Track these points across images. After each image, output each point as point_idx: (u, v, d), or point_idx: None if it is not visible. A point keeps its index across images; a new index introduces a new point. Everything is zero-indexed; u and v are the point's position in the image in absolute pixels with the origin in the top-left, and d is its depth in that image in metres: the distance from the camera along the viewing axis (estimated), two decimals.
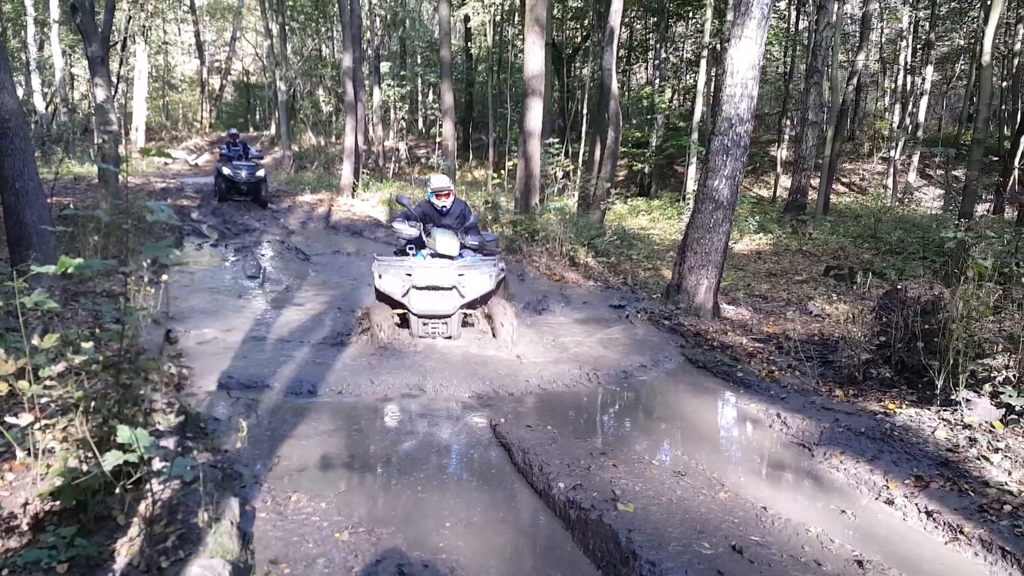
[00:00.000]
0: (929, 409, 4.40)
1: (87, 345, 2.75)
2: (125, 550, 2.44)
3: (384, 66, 26.24)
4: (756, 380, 5.27)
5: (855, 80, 19.18)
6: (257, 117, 37.88)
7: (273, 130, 30.49)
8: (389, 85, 25.31)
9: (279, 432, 4.01)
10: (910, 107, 23.23)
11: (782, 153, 22.22)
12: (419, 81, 28.06)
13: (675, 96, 27.18)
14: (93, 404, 2.64)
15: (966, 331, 4.48)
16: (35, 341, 2.68)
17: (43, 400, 2.67)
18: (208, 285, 8.04)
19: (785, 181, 21.17)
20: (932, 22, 22.25)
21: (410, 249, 6.35)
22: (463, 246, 6.31)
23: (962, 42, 24.78)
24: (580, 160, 19.50)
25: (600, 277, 9.46)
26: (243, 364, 5.13)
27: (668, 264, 10.46)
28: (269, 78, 31.89)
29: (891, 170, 20.77)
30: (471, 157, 27.61)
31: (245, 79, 40.90)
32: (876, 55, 27.87)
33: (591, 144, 20.01)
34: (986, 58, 13.85)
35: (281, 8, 24.67)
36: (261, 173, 14.33)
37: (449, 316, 5.83)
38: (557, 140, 15.93)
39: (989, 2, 14.49)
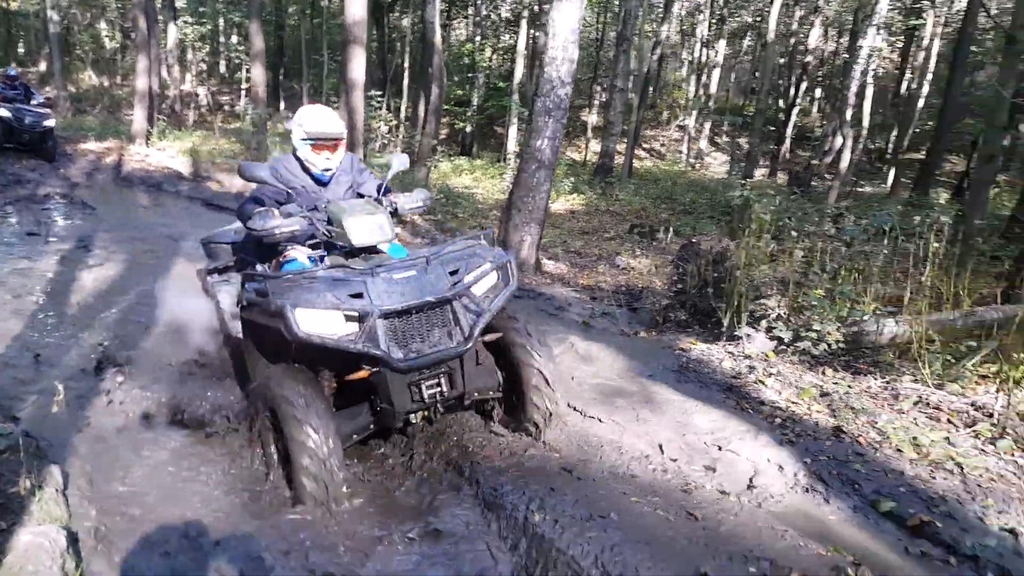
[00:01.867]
0: (718, 344, 5.11)
1: None
2: None
3: (180, 0, 23.71)
4: (576, 325, 5.74)
5: (658, 50, 20.75)
6: (21, 51, 32.48)
7: (43, 67, 26.41)
8: (186, 22, 22.97)
9: (94, 395, 3.72)
10: (704, 78, 25.59)
11: (592, 118, 23.54)
12: (221, 20, 25.75)
13: (494, 55, 27.55)
14: None
15: (747, 277, 5.23)
16: None
17: None
18: None
19: (595, 145, 22.52)
20: None
21: (288, 248, 3.50)
22: (397, 218, 3.67)
23: (749, 19, 27.63)
24: (402, 115, 19.25)
25: (427, 235, 9.57)
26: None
27: (492, 221, 10.82)
28: (35, 5, 27.38)
29: (686, 137, 22.89)
30: (283, 106, 26.04)
31: (4, 4, 34.71)
32: (677, 27, 30.24)
33: (414, 100, 19.83)
34: (771, 36, 15.67)
35: None
36: (50, 123, 12.34)
37: (462, 355, 3.05)
38: (379, 93, 15.56)
39: None
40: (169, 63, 22.09)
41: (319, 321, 2.78)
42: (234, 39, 28.45)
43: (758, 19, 26.43)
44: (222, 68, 29.80)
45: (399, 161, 3.79)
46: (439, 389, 3.05)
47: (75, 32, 27.64)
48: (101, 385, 3.83)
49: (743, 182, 12.35)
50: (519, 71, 18.80)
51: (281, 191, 3.48)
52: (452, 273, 3.12)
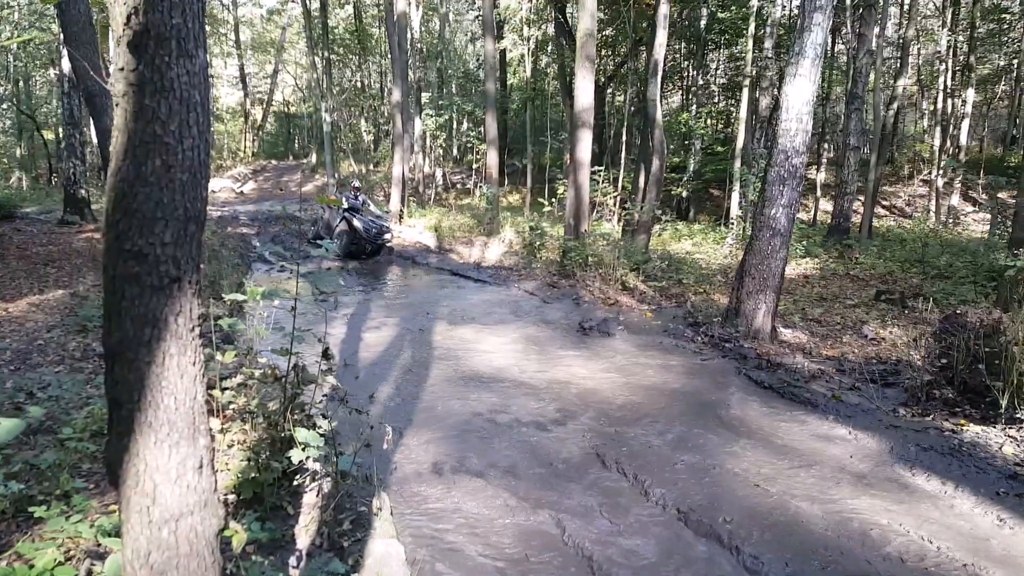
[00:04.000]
0: (995, 427, 4.64)
1: (262, 360, 3.18)
2: (304, 533, 2.83)
3: (424, 96, 27.14)
4: (823, 400, 5.54)
5: (895, 104, 19.35)
6: (296, 145, 39.19)
7: (313, 158, 31.69)
8: (429, 115, 26.16)
9: (400, 441, 4.42)
10: (951, 129, 23.20)
11: (820, 176, 22.34)
12: (454, 110, 28.95)
13: (709, 121, 27.53)
14: (269, 409, 3.07)
15: None
16: (218, 356, 3.12)
17: (230, 407, 3.10)
18: (287, 309, 8.59)
19: (824, 205, 21.30)
20: (971, 45, 22.29)
21: None
22: None
23: (1002, 63, 24.71)
24: (619, 186, 19.91)
25: (652, 301, 9.77)
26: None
27: (718, 288, 10.73)
28: (309, 108, 33.04)
29: (933, 193, 20.77)
30: (506, 183, 28.22)
31: (285, 109, 42.43)
32: (914, 77, 27.91)
33: (632, 171, 20.46)
34: None
35: (326, 43, 25.91)
36: (389, 236, 13.63)
37: None
38: (601, 168, 16.33)
39: None
40: (415, 151, 25.26)
41: None
42: (465, 126, 31.73)
43: (1012, 60, 23.56)
44: (455, 151, 33.23)
45: None
46: None
47: (340, 129, 32.69)
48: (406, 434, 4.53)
49: (1013, 248, 10.94)
50: (741, 137, 18.59)
51: None
52: None
